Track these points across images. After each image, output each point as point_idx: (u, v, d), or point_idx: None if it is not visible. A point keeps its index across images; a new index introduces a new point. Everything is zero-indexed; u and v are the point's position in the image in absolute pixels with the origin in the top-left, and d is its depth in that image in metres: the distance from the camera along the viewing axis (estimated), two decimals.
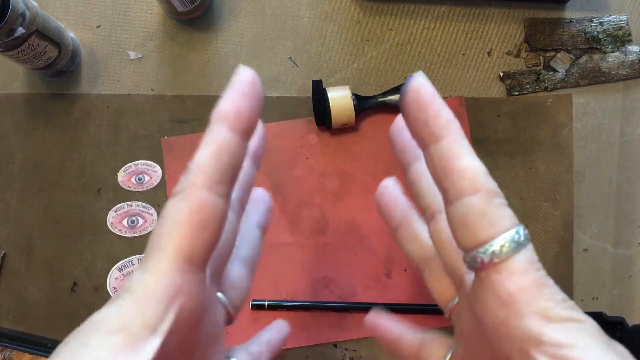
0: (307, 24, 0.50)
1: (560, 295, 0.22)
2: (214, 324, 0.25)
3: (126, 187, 0.48)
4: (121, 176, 0.49)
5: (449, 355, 0.29)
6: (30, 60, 0.44)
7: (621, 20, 0.49)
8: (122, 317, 0.20)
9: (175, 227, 0.21)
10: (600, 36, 0.49)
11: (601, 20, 0.49)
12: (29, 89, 0.49)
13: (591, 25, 0.49)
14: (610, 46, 0.49)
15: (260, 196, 0.33)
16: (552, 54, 0.49)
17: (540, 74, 0.49)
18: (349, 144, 0.49)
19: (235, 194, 0.28)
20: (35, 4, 0.43)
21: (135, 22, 0.49)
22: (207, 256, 0.22)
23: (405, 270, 0.47)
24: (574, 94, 0.49)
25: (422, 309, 0.47)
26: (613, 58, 0.49)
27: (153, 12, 0.50)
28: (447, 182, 0.22)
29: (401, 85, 0.48)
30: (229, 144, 0.22)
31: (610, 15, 0.50)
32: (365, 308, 0.47)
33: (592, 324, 0.22)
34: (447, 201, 0.23)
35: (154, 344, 0.20)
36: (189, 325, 0.22)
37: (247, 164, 0.29)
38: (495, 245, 0.21)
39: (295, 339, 0.47)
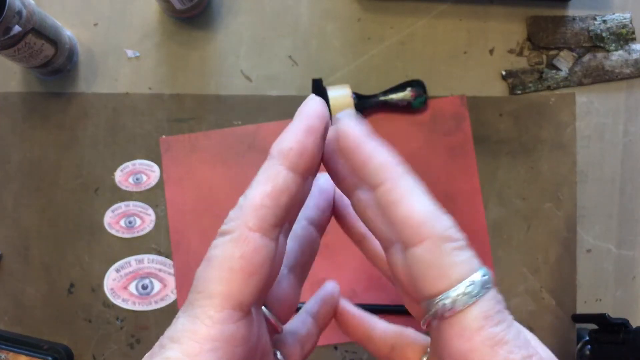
0: (307, 22, 0.49)
1: (522, 352, 0.20)
2: (263, 344, 0.24)
3: (124, 187, 0.48)
4: (119, 176, 0.48)
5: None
6: (27, 58, 0.44)
7: (625, 19, 0.49)
8: None
9: (225, 272, 0.20)
10: (604, 34, 0.49)
11: (604, 19, 0.49)
12: (25, 88, 0.49)
13: (594, 24, 0.49)
14: (613, 44, 0.49)
15: (318, 185, 0.29)
16: (555, 52, 0.49)
17: (542, 73, 0.49)
18: None
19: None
20: (32, 2, 0.42)
21: (133, 21, 0.49)
22: (257, 300, 0.21)
23: None
24: (577, 92, 0.49)
25: None
26: (616, 56, 0.49)
27: (151, 10, 0.49)
28: (391, 230, 0.21)
29: (401, 84, 0.47)
30: (288, 186, 0.20)
31: (614, 14, 0.49)
32: (365, 309, 0.46)
33: None
34: (398, 249, 0.21)
35: None
36: None
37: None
38: (447, 299, 0.20)
39: None
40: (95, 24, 0.49)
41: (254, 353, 0.22)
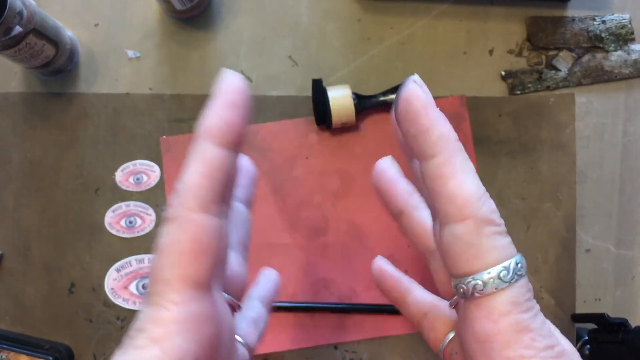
0: (307, 23, 0.49)
1: (545, 341, 0.20)
2: (228, 325, 0.24)
3: (124, 187, 0.48)
4: (119, 176, 0.48)
5: (450, 337, 0.28)
6: (28, 59, 0.44)
7: (624, 19, 0.49)
8: (143, 357, 0.19)
9: (176, 257, 0.20)
10: (603, 35, 0.49)
11: (604, 19, 0.49)
12: (26, 88, 0.49)
13: (594, 24, 0.49)
14: (612, 45, 0.49)
15: (243, 167, 0.30)
16: (555, 52, 0.49)
17: (542, 73, 0.49)
18: (349, 144, 0.48)
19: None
20: (33, 2, 0.42)
21: (134, 21, 0.49)
22: (213, 276, 0.21)
23: (406, 271, 0.47)
24: (577, 93, 0.49)
25: None
26: (616, 57, 0.49)
27: (151, 11, 0.49)
28: (436, 204, 0.21)
29: (400, 85, 0.47)
30: (220, 161, 0.20)
31: (613, 14, 0.49)
32: (365, 309, 0.46)
33: None
34: (439, 222, 0.21)
35: None
36: (212, 346, 0.21)
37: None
38: (479, 280, 0.20)
39: (295, 340, 0.46)
40: (96, 25, 0.49)
41: (221, 332, 0.23)
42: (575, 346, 0.48)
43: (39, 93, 0.49)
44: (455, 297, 0.26)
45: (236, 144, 0.21)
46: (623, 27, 0.49)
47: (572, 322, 0.48)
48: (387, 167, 0.30)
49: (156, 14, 0.49)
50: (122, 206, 0.48)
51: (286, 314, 0.46)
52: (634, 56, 0.49)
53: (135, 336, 0.20)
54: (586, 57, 0.49)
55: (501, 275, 0.20)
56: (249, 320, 0.29)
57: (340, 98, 0.46)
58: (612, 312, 0.47)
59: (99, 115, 0.49)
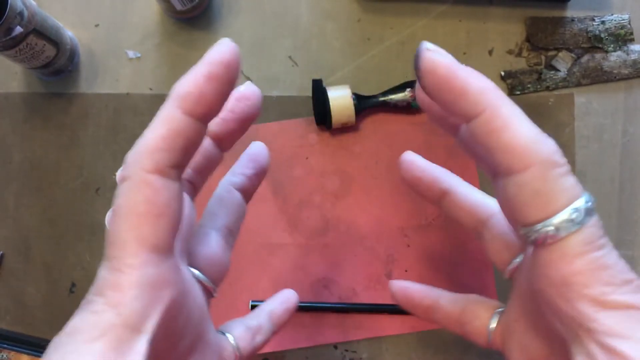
0: (307, 23, 0.49)
1: (622, 276, 0.20)
2: (196, 302, 0.24)
3: None
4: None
5: (496, 319, 0.27)
6: (28, 59, 0.44)
7: (623, 20, 0.49)
8: (99, 323, 0.19)
9: (133, 219, 0.20)
10: (602, 35, 0.49)
11: (603, 19, 0.49)
12: (26, 88, 0.49)
13: (593, 24, 0.49)
14: (612, 45, 0.49)
15: (250, 153, 0.29)
16: (554, 53, 0.49)
17: (541, 73, 0.49)
18: (349, 144, 0.48)
19: (188, 175, 0.26)
20: (34, 2, 0.43)
21: (134, 21, 0.49)
22: (172, 241, 0.21)
23: (406, 271, 0.47)
24: (576, 93, 0.49)
25: None
26: (615, 57, 0.49)
27: (152, 11, 0.49)
28: (494, 159, 0.20)
29: (401, 85, 0.48)
30: (183, 128, 0.20)
31: (612, 14, 0.49)
32: (365, 309, 0.46)
33: None
34: (499, 176, 0.21)
35: (142, 344, 0.19)
36: (173, 314, 0.21)
37: (207, 144, 0.26)
38: (550, 225, 0.19)
39: (294, 340, 0.46)
40: (96, 25, 0.49)
41: (185, 303, 0.22)
42: None
43: (39, 93, 0.49)
44: (513, 264, 0.26)
45: (205, 116, 0.20)
46: (622, 27, 0.49)
47: None
48: (415, 157, 0.30)
49: (156, 14, 0.49)
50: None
51: None
52: (633, 56, 0.49)
53: (92, 300, 0.20)
54: (585, 58, 0.49)
55: (573, 217, 0.19)
56: (248, 327, 0.29)
57: (340, 98, 0.46)
58: None
59: (99, 116, 0.49)
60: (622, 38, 0.49)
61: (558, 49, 0.49)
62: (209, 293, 0.26)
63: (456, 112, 0.20)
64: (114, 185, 0.48)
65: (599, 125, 0.49)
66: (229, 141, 0.26)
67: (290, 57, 0.49)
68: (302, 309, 0.46)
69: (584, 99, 0.49)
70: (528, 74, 0.49)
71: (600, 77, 0.49)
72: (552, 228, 0.19)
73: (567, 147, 0.49)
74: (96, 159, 0.48)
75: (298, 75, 0.49)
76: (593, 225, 0.20)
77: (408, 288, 0.31)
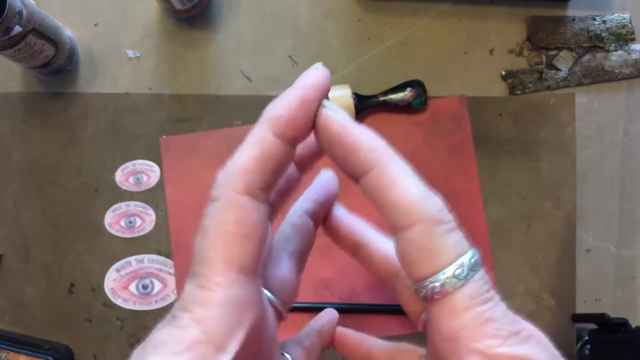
0: (307, 23, 0.49)
1: (509, 327, 0.20)
2: (270, 325, 0.24)
3: (124, 187, 0.48)
4: (119, 176, 0.48)
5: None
6: (27, 59, 0.44)
7: (624, 19, 0.49)
8: (185, 338, 0.19)
9: (221, 238, 0.20)
10: (603, 35, 0.49)
11: (604, 19, 0.49)
12: (25, 88, 0.49)
13: (594, 24, 0.49)
14: (613, 45, 0.49)
15: (321, 180, 0.29)
16: (555, 52, 0.49)
17: (542, 73, 0.49)
18: None
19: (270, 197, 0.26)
20: (33, 2, 0.42)
21: (134, 21, 0.49)
22: (258, 263, 0.21)
23: None
24: (577, 93, 0.49)
25: None
26: (616, 57, 0.49)
27: (151, 10, 0.49)
28: (384, 215, 0.21)
29: (401, 84, 0.48)
30: (275, 152, 0.20)
31: (613, 14, 0.49)
32: (365, 309, 0.46)
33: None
34: (391, 232, 0.21)
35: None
36: (254, 336, 0.21)
37: (289, 166, 0.26)
38: (436, 281, 0.20)
39: None
40: (96, 24, 0.49)
41: (265, 325, 0.22)
42: (575, 346, 0.48)
43: (38, 93, 0.49)
44: (422, 317, 0.26)
45: (295, 139, 0.21)
46: (623, 26, 0.49)
47: (572, 322, 0.48)
48: (342, 215, 0.30)
49: (156, 13, 0.49)
50: (122, 206, 0.48)
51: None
52: (634, 56, 0.49)
53: (178, 315, 0.20)
54: (586, 57, 0.49)
55: (457, 273, 0.20)
56: (303, 347, 0.29)
57: (340, 98, 0.45)
58: (612, 312, 0.47)
59: (98, 115, 0.48)
60: (623, 37, 0.49)
61: (559, 49, 0.49)
62: (279, 316, 0.26)
63: (348, 168, 0.21)
64: (113, 185, 0.48)
65: (600, 125, 0.49)
66: (310, 163, 0.27)
67: (290, 57, 0.49)
68: (302, 309, 0.46)
69: (585, 99, 0.49)
70: (529, 74, 0.49)
71: (601, 77, 0.49)
72: (437, 284, 0.20)
73: (567, 147, 0.49)
74: (95, 159, 0.48)
75: (298, 75, 0.48)
76: (479, 279, 0.20)
77: (347, 334, 0.32)
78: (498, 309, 0.20)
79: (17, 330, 0.47)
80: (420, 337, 0.48)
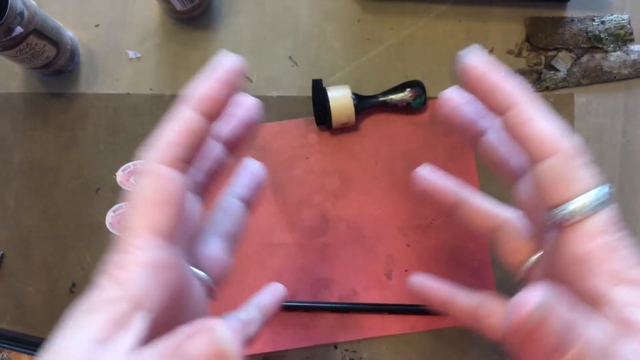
0: (307, 23, 0.49)
1: (633, 259, 0.22)
2: (197, 299, 0.25)
3: (125, 187, 0.48)
4: (120, 176, 0.48)
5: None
6: (29, 59, 0.44)
7: (623, 20, 0.49)
8: (104, 297, 0.20)
9: (142, 205, 0.22)
10: (602, 35, 0.49)
11: (603, 20, 0.49)
12: (27, 88, 0.49)
13: (593, 24, 0.49)
14: (612, 45, 0.49)
15: (248, 168, 0.32)
16: (554, 53, 0.49)
17: (541, 74, 0.49)
18: (349, 144, 0.48)
19: (198, 176, 0.28)
20: (34, 3, 0.43)
21: (134, 21, 0.49)
22: (176, 229, 0.22)
23: (406, 271, 0.47)
24: (576, 93, 0.49)
25: (422, 310, 0.46)
26: (615, 57, 0.49)
27: (152, 11, 0.49)
28: (525, 147, 0.23)
29: (401, 85, 0.48)
30: (194, 124, 0.23)
31: (612, 15, 0.49)
32: (365, 309, 0.46)
33: None
34: (530, 163, 0.24)
35: (142, 319, 0.20)
36: (174, 300, 0.22)
37: (217, 149, 0.29)
38: (572, 206, 0.22)
39: (294, 340, 0.47)
40: (97, 25, 0.49)
41: (185, 290, 0.23)
42: None
43: (39, 93, 0.49)
44: (528, 264, 0.29)
45: (212, 114, 0.23)
46: (622, 27, 0.49)
47: None
48: (429, 171, 0.33)
49: (156, 14, 0.49)
50: (123, 206, 0.48)
51: (286, 314, 0.46)
52: (633, 56, 0.49)
53: (99, 280, 0.21)
54: (585, 58, 0.49)
55: (591, 201, 0.22)
56: (239, 320, 0.30)
57: (340, 98, 0.46)
58: None
59: (99, 116, 0.49)
60: (621, 38, 0.49)
61: (558, 49, 0.49)
62: (210, 293, 0.27)
63: (493, 103, 0.24)
64: (114, 185, 0.48)
65: (599, 126, 0.49)
66: (238, 146, 0.29)
67: (290, 57, 0.49)
68: (303, 308, 0.46)
69: (583, 99, 0.49)
70: (528, 74, 0.49)
71: (600, 77, 0.49)
72: (574, 209, 0.22)
73: None
74: (96, 159, 0.48)
75: (298, 75, 0.49)
76: (611, 211, 0.23)
77: (425, 285, 0.34)
78: (627, 240, 0.23)
79: (18, 330, 0.47)
80: (420, 336, 0.48)
